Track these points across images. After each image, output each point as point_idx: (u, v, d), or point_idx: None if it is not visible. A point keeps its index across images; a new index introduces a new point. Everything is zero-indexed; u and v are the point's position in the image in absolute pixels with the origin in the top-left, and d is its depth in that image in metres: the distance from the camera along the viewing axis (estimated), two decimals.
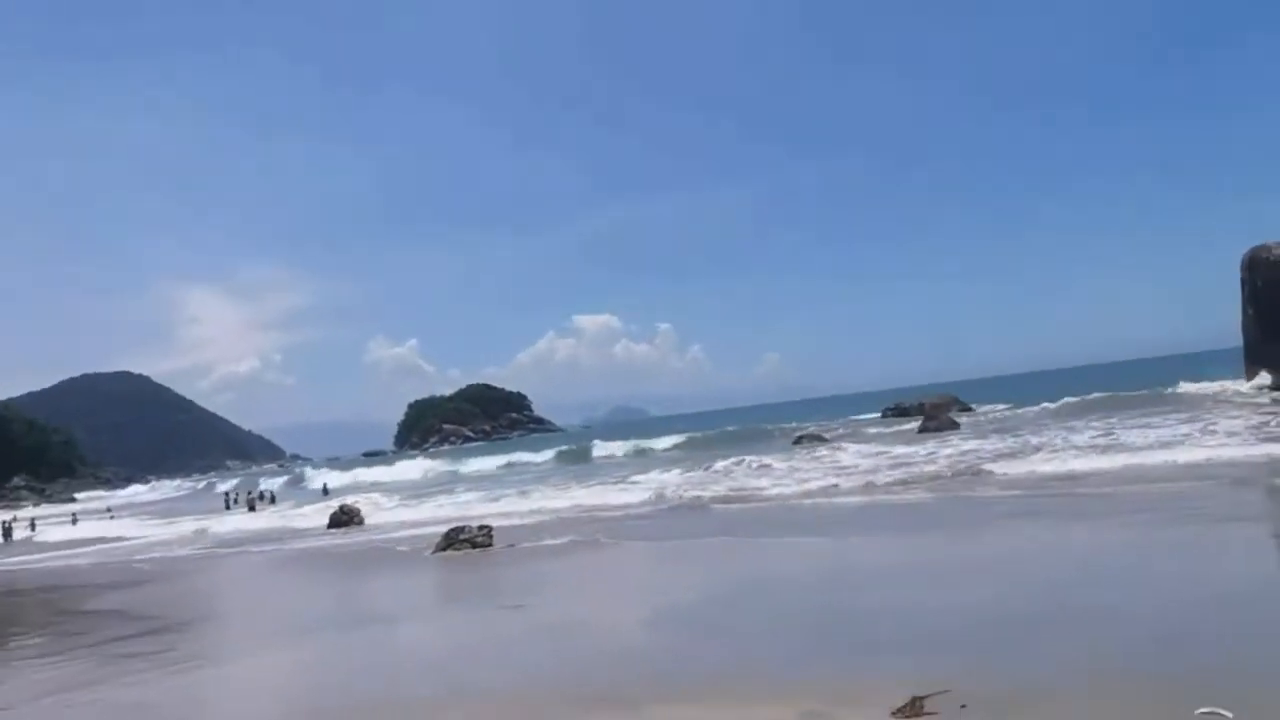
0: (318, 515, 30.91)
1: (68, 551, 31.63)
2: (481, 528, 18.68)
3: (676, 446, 53.84)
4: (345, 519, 28.02)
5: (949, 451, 28.23)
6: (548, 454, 61.26)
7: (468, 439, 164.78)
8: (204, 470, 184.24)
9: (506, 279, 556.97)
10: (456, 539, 18.23)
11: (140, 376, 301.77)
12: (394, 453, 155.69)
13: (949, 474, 22.24)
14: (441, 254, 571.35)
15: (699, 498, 23.51)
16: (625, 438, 63.16)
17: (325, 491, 47.38)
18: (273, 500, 45.62)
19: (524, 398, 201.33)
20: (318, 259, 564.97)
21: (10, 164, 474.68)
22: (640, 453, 53.51)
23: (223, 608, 16.67)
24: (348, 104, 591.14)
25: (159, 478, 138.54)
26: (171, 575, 21.59)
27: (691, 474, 31.36)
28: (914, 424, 43.22)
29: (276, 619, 13.95)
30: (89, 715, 8.61)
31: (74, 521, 46.93)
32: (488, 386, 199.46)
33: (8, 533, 44.03)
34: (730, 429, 61.31)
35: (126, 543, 32.55)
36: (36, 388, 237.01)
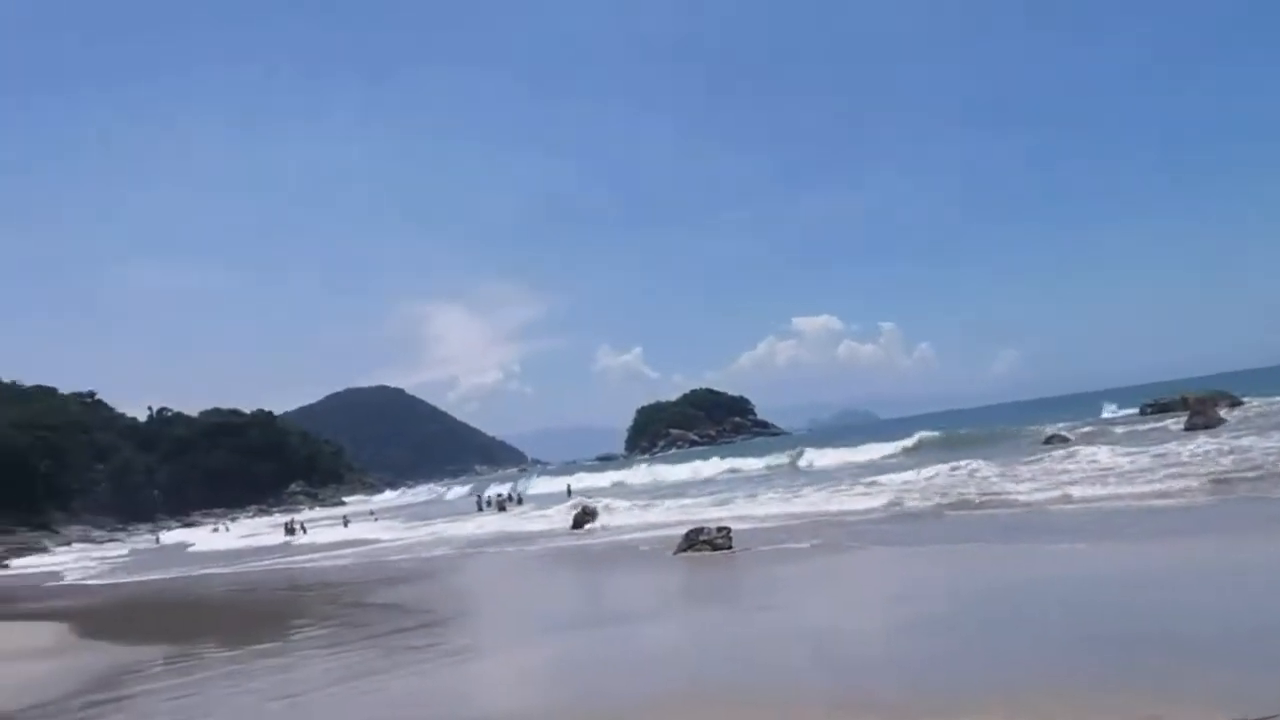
0: (561, 517, 32.19)
1: (340, 551, 34.60)
2: (720, 529, 18.74)
3: (911, 449, 51.80)
4: (587, 519, 29.01)
5: (1223, 450, 25.46)
6: (774, 458, 60.60)
7: (693, 443, 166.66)
8: (455, 475, 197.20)
9: (720, 283, 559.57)
10: (696, 540, 18.39)
11: (396, 390, 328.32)
12: (625, 456, 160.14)
13: (1230, 475, 20.05)
14: (655, 261, 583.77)
15: (940, 504, 22.47)
16: (854, 440, 61.53)
17: (569, 494, 49.35)
18: (520, 502, 48.00)
19: (747, 401, 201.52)
20: (542, 272, 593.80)
21: (267, 198, 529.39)
22: (873, 456, 51.92)
23: (483, 604, 17.68)
24: (541, 113, 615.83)
25: (416, 483, 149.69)
26: (434, 573, 23.14)
27: (931, 478, 29.98)
28: (1174, 421, 39.36)
29: (534, 615, 14.57)
30: (375, 703, 9.27)
31: (345, 524, 51.24)
32: (710, 391, 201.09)
33: (291, 531, 49.18)
34: (967, 431, 58.29)
35: (389, 543, 35.17)
36: (307, 402, 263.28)
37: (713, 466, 61.88)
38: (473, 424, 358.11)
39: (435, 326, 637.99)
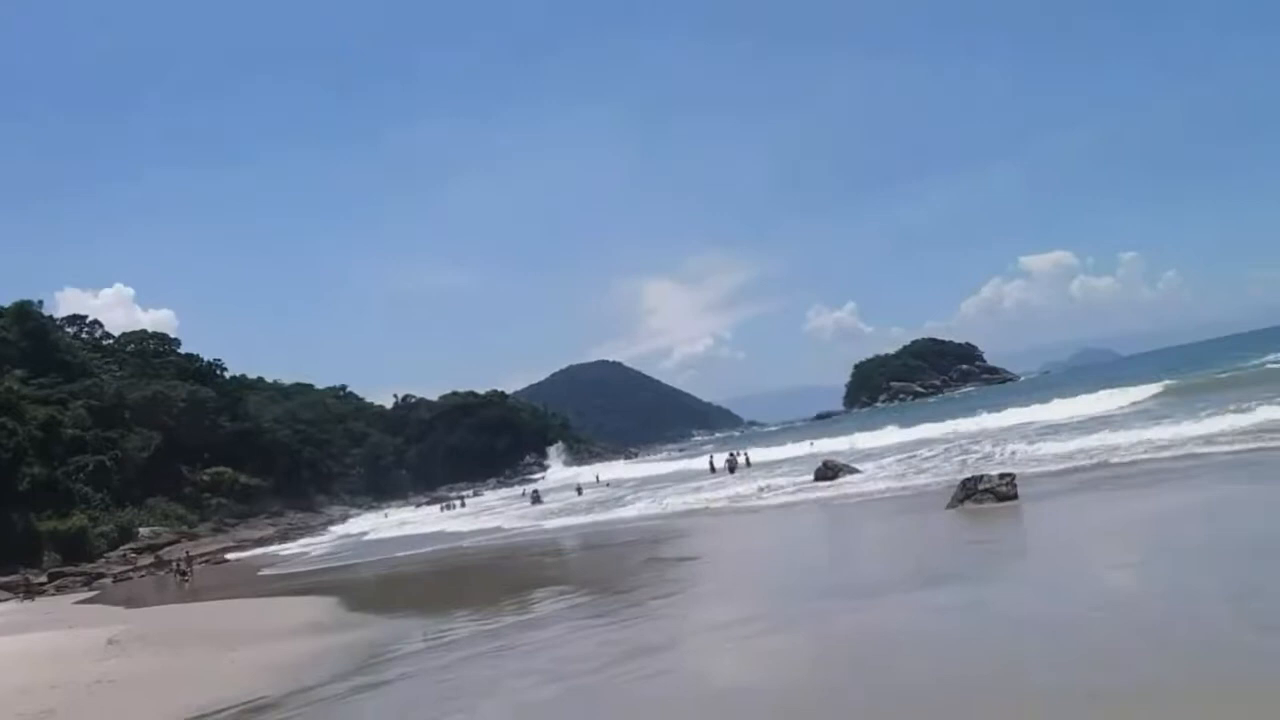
0: (801, 474, 30.68)
1: (579, 518, 34.66)
2: (1003, 476, 16.62)
3: (1166, 391, 45.00)
4: (830, 474, 27.41)
5: None
6: (1011, 408, 54.60)
7: (917, 394, 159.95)
8: (673, 440, 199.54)
9: (935, 228, 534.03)
10: (975, 490, 16.38)
11: (614, 363, 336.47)
12: (844, 413, 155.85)
13: None
14: (860, 213, 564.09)
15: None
16: (1095, 384, 55.08)
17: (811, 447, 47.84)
18: (748, 463, 46.77)
19: (974, 348, 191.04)
20: (746, 237, 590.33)
21: (491, 189, 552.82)
22: (1126, 399, 45.84)
23: (749, 568, 16.30)
24: (740, 71, 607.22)
25: (639, 451, 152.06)
26: (684, 535, 22.31)
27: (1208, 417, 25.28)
28: None
29: (812, 579, 13.14)
30: (667, 690, 8.48)
31: (579, 493, 52.00)
32: (934, 340, 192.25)
33: (536, 499, 51.57)
34: (1231, 372, 50.00)
35: (631, 509, 34.57)
36: (534, 381, 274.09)
37: (948, 422, 56.94)
38: (688, 390, 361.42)
39: (648, 300, 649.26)
